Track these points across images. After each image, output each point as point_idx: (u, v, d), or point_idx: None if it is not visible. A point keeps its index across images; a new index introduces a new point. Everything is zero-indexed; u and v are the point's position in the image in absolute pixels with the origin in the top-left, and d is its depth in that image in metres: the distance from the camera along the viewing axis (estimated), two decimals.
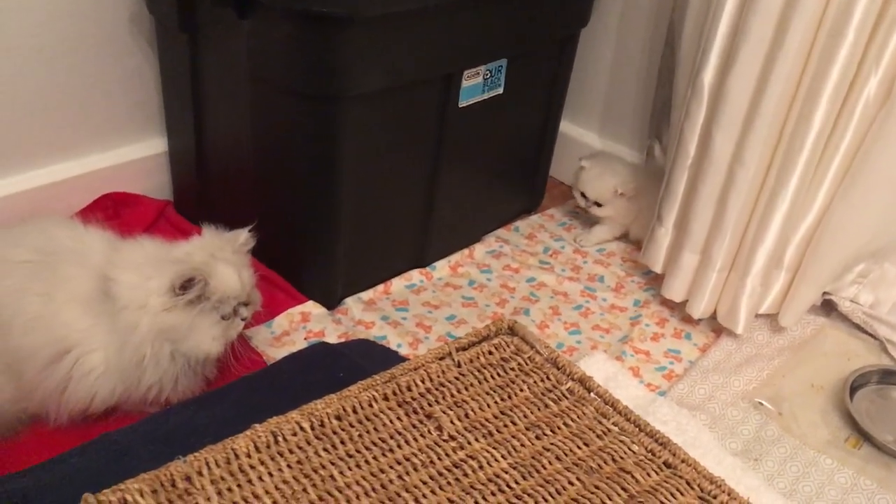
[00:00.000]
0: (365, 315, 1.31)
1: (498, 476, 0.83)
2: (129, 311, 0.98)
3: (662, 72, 1.49)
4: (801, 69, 1.12)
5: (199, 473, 0.77)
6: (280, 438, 0.82)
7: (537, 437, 0.89)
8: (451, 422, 0.88)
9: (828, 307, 1.38)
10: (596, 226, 1.55)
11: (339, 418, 0.87)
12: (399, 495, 0.79)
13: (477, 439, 0.87)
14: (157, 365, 1.01)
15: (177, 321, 0.98)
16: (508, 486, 0.82)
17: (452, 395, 0.92)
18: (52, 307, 0.99)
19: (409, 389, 0.92)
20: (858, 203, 1.21)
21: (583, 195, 1.51)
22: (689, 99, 1.25)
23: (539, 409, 0.92)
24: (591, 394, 0.95)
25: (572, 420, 0.91)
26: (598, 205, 1.49)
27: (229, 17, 1.12)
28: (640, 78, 1.58)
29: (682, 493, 0.83)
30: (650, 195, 1.46)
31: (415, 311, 1.34)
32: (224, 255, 1.04)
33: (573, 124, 1.71)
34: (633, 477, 0.85)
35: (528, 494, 0.81)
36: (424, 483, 0.81)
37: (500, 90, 1.34)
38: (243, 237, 1.09)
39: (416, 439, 0.86)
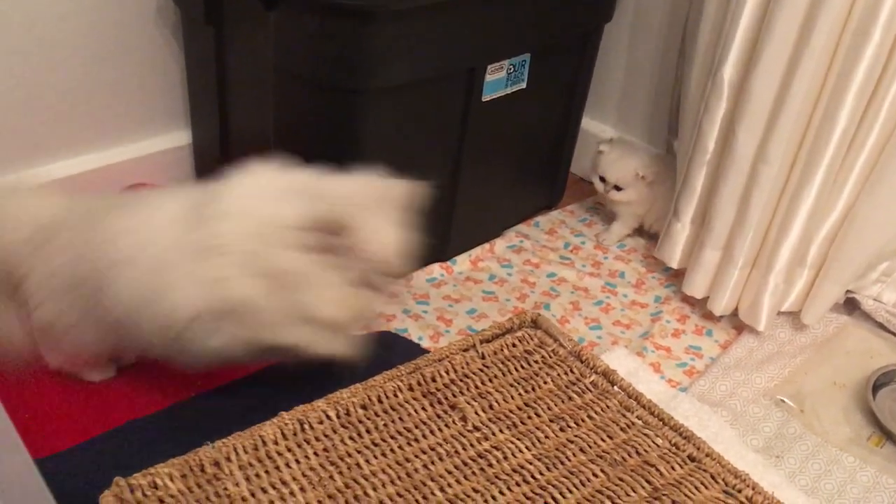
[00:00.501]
0: (386, 308, 1.31)
1: (522, 467, 0.83)
2: (231, 224, 0.82)
3: (679, 68, 1.49)
4: (826, 67, 1.12)
5: (228, 459, 0.78)
6: (307, 426, 0.83)
7: (561, 430, 0.89)
8: (476, 413, 0.89)
9: (851, 305, 1.38)
10: (613, 223, 1.55)
11: (364, 407, 0.87)
12: (424, 484, 0.79)
13: (501, 430, 0.87)
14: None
15: (299, 266, 0.81)
16: (532, 476, 0.82)
17: (476, 387, 0.93)
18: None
19: (434, 380, 0.92)
20: (883, 201, 1.21)
21: (602, 180, 1.50)
22: (708, 94, 1.24)
23: (563, 402, 0.93)
24: (615, 387, 0.95)
25: (596, 413, 0.92)
26: (618, 189, 1.48)
27: (256, 9, 1.13)
28: (656, 72, 1.58)
29: (706, 487, 0.84)
30: (666, 184, 1.46)
31: (435, 304, 1.34)
32: (381, 208, 0.85)
33: (590, 118, 1.70)
34: (657, 470, 0.85)
35: (552, 485, 0.82)
36: (449, 472, 0.81)
37: (524, 85, 1.35)
38: (407, 190, 0.88)
39: (440, 429, 0.87)
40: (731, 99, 1.22)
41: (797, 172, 1.20)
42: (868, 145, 1.18)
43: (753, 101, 1.17)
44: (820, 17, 1.07)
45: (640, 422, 0.91)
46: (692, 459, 0.87)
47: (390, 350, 1.15)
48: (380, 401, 0.88)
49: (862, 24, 1.07)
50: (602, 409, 0.92)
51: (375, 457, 0.82)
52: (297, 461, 0.79)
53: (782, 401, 1.19)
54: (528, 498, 0.80)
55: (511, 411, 0.90)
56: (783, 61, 1.13)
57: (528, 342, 1.00)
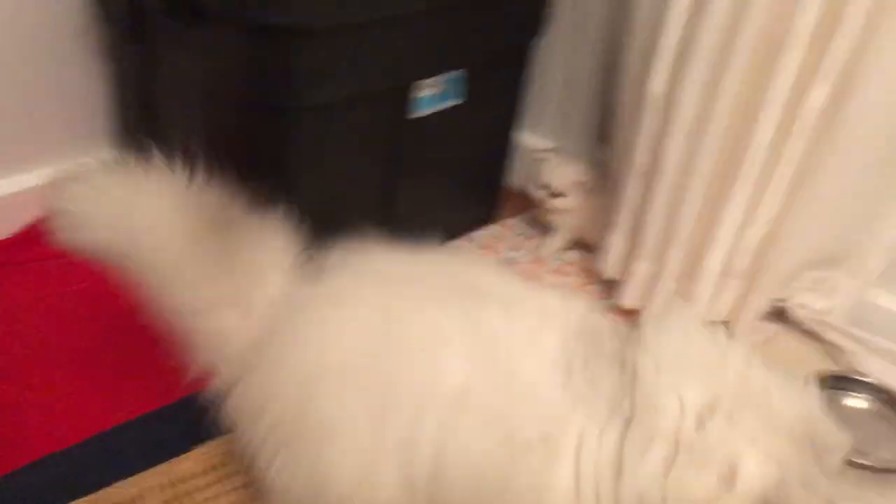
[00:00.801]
0: None
1: None
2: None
3: (606, 80, 1.51)
4: (749, 80, 1.14)
5: (142, 497, 0.75)
6: (229, 459, 0.81)
7: None
8: None
9: (779, 314, 1.40)
10: (551, 235, 1.56)
11: None
12: None
13: None
14: None
15: None
16: None
17: None
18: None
19: None
20: (808, 211, 1.23)
21: (541, 187, 1.50)
22: (638, 108, 1.26)
23: None
24: None
25: None
26: (557, 196, 1.49)
27: (181, 28, 1.11)
28: (592, 86, 1.60)
29: None
30: (604, 195, 1.47)
31: None
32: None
33: (527, 132, 1.71)
34: None
35: None
36: None
37: (458, 101, 1.35)
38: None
39: None
40: (661, 113, 1.24)
41: (723, 184, 1.22)
42: (794, 155, 1.20)
43: (680, 114, 1.19)
44: (741, 32, 1.09)
45: None
46: None
47: None
48: None
49: (782, 36, 1.09)
50: None
51: None
52: (217, 497, 0.77)
53: None
54: None
55: None
56: (707, 74, 1.15)
57: None
